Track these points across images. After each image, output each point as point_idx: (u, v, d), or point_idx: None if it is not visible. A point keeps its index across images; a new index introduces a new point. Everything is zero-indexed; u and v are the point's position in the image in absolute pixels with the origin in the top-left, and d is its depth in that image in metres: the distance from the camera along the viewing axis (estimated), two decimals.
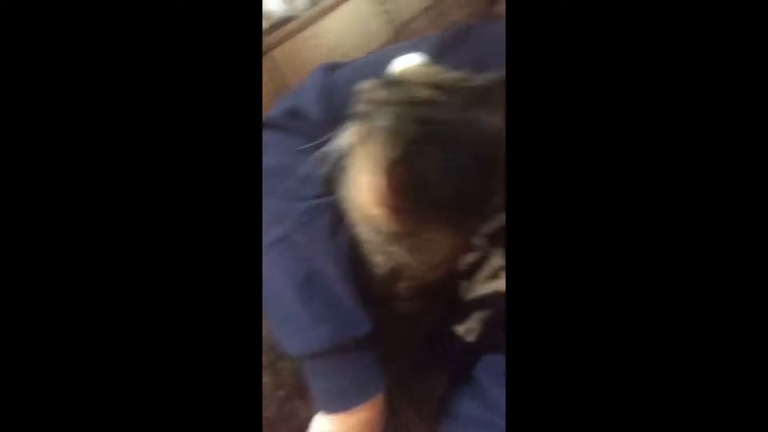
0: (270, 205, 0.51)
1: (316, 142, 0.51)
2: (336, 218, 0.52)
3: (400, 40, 0.73)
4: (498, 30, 0.64)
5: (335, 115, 0.51)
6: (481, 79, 0.47)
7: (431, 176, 0.43)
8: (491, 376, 0.62)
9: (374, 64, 0.55)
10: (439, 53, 0.55)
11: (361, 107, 0.47)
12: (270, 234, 0.51)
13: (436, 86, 0.46)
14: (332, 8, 0.69)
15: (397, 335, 0.56)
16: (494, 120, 0.46)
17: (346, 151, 0.48)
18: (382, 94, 0.46)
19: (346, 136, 0.48)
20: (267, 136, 0.55)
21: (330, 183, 0.51)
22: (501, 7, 0.76)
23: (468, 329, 0.64)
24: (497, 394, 0.59)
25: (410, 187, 0.43)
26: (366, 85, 0.47)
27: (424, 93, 0.46)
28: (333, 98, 0.55)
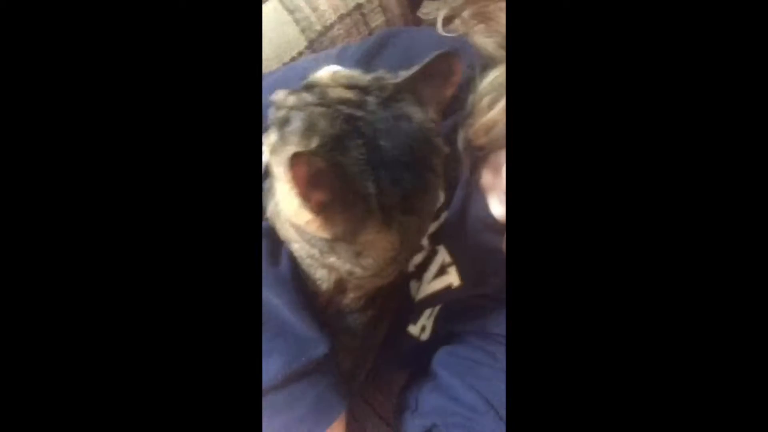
0: None
1: None
2: (272, 245, 0.51)
3: (316, 49, 0.73)
4: (419, 35, 0.65)
5: None
6: (398, 76, 0.46)
7: (353, 170, 0.42)
8: (448, 368, 0.63)
9: (291, 77, 0.54)
10: (362, 61, 0.55)
11: (273, 116, 0.45)
12: None
13: (351, 87, 0.45)
14: None
15: (353, 348, 0.55)
16: (422, 115, 0.46)
17: (266, 165, 0.47)
18: (294, 99, 0.45)
19: (264, 151, 0.46)
20: None
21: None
22: (422, 13, 0.77)
23: (421, 328, 0.65)
24: (455, 384, 0.60)
25: (331, 180, 0.40)
26: (279, 95, 0.46)
27: (338, 93, 0.45)
28: None
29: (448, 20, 0.67)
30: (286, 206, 0.45)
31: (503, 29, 0.58)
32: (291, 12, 0.71)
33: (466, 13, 0.63)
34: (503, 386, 0.52)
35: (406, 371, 0.68)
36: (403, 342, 0.63)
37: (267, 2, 0.72)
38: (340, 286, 0.51)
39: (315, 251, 0.47)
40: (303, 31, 0.72)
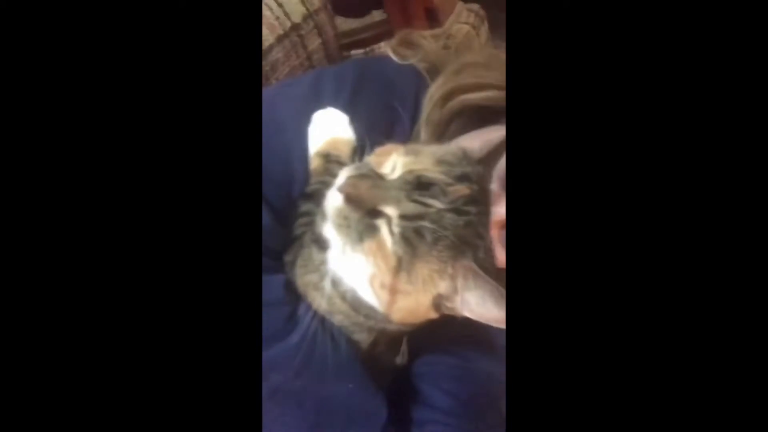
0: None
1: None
2: (326, 329, 0.51)
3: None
4: (383, 65, 0.65)
5: None
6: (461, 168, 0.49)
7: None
8: (427, 382, 0.63)
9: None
10: (349, 101, 0.55)
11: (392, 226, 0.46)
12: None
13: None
14: None
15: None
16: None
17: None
18: (414, 207, 0.46)
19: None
20: None
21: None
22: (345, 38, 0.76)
23: (402, 354, 0.64)
24: (432, 392, 0.60)
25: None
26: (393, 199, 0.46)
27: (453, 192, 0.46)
28: None
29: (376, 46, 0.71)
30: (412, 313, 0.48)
31: (432, 54, 0.65)
32: None
33: (393, 42, 0.67)
34: (474, 386, 0.55)
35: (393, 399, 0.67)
36: (392, 374, 0.61)
37: None
38: (375, 342, 0.54)
39: (360, 318, 0.50)
40: None
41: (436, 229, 0.44)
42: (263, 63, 0.68)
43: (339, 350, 0.51)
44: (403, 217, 0.45)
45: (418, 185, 0.46)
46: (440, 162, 0.47)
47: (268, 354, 0.46)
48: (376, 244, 0.46)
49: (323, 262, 0.50)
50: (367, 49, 0.81)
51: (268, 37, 0.69)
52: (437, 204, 0.45)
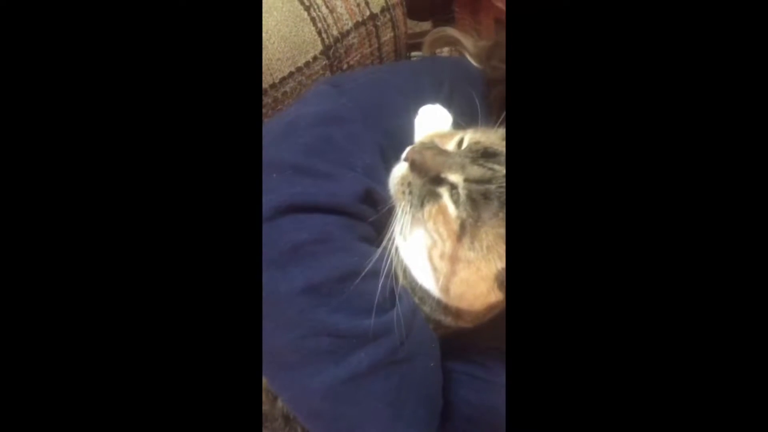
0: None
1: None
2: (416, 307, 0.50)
3: (330, 57, 0.68)
4: (465, 66, 0.66)
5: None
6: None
7: None
8: (446, 387, 0.63)
9: None
10: (448, 99, 0.57)
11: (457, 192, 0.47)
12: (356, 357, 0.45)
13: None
14: None
15: None
16: None
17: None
18: (480, 171, 0.47)
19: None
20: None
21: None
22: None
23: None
24: (451, 400, 0.61)
25: None
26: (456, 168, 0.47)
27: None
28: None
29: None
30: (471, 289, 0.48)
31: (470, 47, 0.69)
32: (307, 8, 0.65)
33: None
34: (496, 397, 0.54)
35: None
36: None
37: None
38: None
39: (426, 308, 0.50)
40: (320, 33, 0.66)
41: (504, 192, 0.44)
42: (340, 45, 0.68)
43: (428, 328, 0.50)
44: (469, 180, 0.45)
45: (484, 154, 0.47)
46: (504, 138, 0.49)
47: (375, 323, 0.44)
48: (437, 208, 0.46)
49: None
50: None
51: (347, 21, 0.68)
52: (504, 170, 0.45)
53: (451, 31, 0.73)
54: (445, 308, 0.50)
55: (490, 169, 0.46)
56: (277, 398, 0.50)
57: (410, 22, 0.82)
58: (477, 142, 0.48)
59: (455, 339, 0.63)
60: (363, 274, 0.44)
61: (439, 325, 0.52)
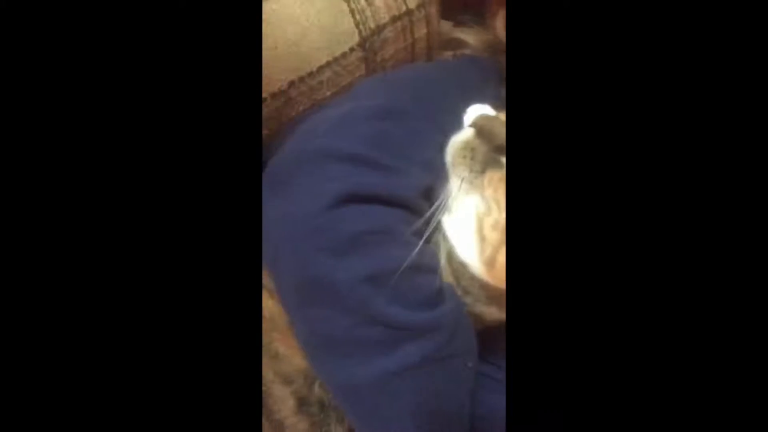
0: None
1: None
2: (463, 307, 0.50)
3: (367, 49, 0.68)
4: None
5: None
6: None
7: None
8: None
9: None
10: (496, 98, 0.57)
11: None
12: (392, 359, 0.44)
13: None
14: None
15: None
16: None
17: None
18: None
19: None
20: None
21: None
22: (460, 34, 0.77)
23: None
24: None
25: None
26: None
27: None
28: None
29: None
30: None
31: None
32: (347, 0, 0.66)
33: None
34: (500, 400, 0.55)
35: None
36: None
37: None
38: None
39: (469, 299, 0.50)
40: (357, 24, 0.66)
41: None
42: (376, 37, 0.68)
43: (472, 327, 0.50)
44: None
45: None
46: None
47: (428, 317, 0.44)
48: (499, 177, 0.47)
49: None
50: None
51: (384, 15, 0.69)
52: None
53: (454, 32, 0.74)
54: (488, 295, 0.50)
55: None
56: (314, 383, 0.50)
57: (444, 23, 0.82)
58: None
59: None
60: (418, 267, 0.44)
61: (479, 320, 0.52)
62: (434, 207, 0.49)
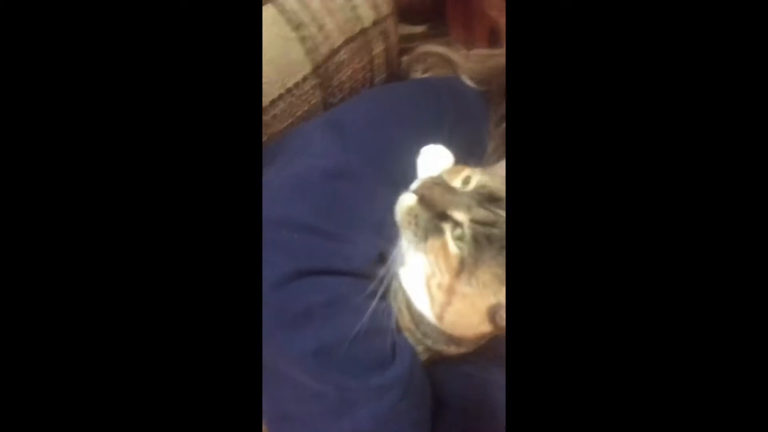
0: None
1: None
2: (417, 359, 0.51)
3: (321, 75, 0.66)
4: (461, 89, 0.64)
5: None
6: None
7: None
8: (442, 389, 0.64)
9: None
10: (448, 136, 0.56)
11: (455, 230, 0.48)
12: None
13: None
14: None
15: None
16: None
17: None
18: (483, 213, 0.47)
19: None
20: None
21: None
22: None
23: None
24: (449, 402, 0.61)
25: None
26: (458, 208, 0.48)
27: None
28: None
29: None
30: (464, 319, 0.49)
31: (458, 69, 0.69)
32: (296, 28, 0.63)
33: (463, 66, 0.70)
34: (489, 392, 0.56)
35: None
36: None
37: (267, 10, 0.62)
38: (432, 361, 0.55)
39: (429, 341, 0.51)
40: (308, 52, 0.64)
41: (504, 237, 0.46)
42: (330, 62, 0.66)
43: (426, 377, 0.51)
44: (475, 221, 0.47)
45: (490, 198, 0.48)
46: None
47: (381, 378, 0.46)
48: (440, 243, 0.48)
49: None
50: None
51: (338, 38, 0.66)
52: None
53: (436, 49, 0.72)
54: (447, 338, 0.52)
55: (495, 213, 0.47)
56: None
57: (403, 27, 0.79)
58: (483, 186, 0.50)
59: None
60: (370, 330, 0.45)
61: (441, 356, 0.53)
62: (386, 267, 0.50)
